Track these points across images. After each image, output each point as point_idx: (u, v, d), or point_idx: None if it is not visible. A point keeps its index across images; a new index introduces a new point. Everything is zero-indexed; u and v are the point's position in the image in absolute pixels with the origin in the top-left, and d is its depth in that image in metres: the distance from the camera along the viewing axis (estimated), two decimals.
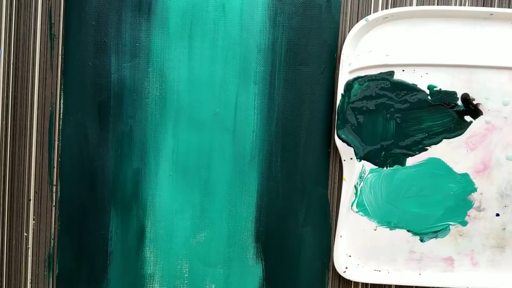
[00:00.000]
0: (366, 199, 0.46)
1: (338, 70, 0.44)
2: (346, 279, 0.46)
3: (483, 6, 0.45)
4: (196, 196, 0.46)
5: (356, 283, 0.47)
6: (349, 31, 0.44)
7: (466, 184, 0.45)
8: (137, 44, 0.45)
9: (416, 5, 0.45)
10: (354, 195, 0.46)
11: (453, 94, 0.45)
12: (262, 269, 0.46)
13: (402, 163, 0.45)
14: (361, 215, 0.46)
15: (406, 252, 0.46)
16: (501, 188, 0.46)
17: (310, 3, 0.45)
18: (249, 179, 0.46)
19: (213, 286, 0.46)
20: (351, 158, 0.45)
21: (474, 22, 0.44)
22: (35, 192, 0.46)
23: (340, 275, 0.46)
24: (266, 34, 0.45)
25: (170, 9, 0.44)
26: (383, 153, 0.45)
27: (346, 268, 0.46)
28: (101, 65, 0.45)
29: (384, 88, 0.45)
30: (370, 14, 0.45)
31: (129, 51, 0.45)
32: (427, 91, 0.45)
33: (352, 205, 0.46)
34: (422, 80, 0.45)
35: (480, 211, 0.46)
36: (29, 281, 0.46)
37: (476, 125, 0.45)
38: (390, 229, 0.46)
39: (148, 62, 0.45)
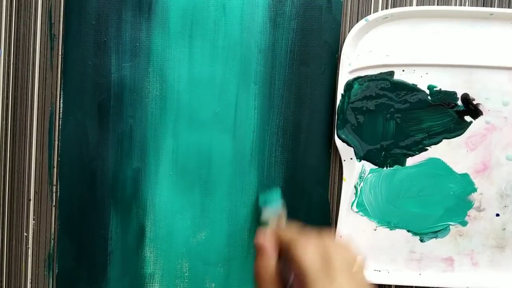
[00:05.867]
0: (366, 199, 0.46)
1: (339, 70, 0.44)
2: None
3: (483, 6, 0.45)
4: (196, 196, 0.46)
5: None
6: (349, 31, 0.44)
7: (466, 184, 0.45)
8: (137, 44, 0.45)
9: (416, 5, 0.45)
10: (354, 195, 0.46)
11: (453, 94, 0.45)
12: None
13: (402, 163, 0.45)
14: (361, 215, 0.46)
15: (406, 252, 0.46)
16: (501, 188, 0.46)
17: (311, 4, 0.45)
18: (249, 179, 0.46)
19: (213, 285, 0.46)
20: (351, 158, 0.45)
21: (474, 22, 0.44)
22: (35, 192, 0.46)
23: None
24: (267, 35, 0.45)
25: (171, 9, 0.44)
26: (383, 153, 0.45)
27: None
28: (101, 64, 0.45)
29: (384, 88, 0.45)
30: (370, 14, 0.45)
31: (129, 50, 0.45)
32: (427, 91, 0.45)
33: (352, 205, 0.46)
34: (422, 80, 0.45)
35: (480, 211, 0.46)
36: (29, 281, 0.46)
37: (476, 125, 0.45)
38: (390, 229, 0.46)
39: (148, 62, 0.45)
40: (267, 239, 0.37)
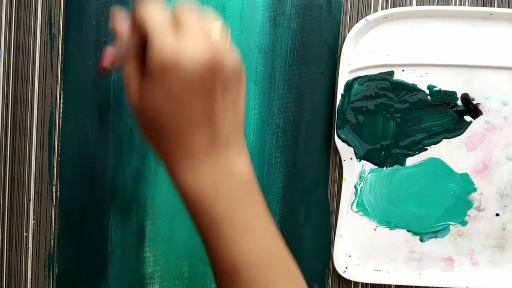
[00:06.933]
0: (366, 199, 0.46)
1: (338, 70, 0.44)
2: (346, 279, 0.46)
3: (483, 6, 0.45)
4: None
5: (356, 283, 0.47)
6: (349, 31, 0.44)
7: (466, 184, 0.45)
8: None
9: (416, 5, 0.45)
10: (354, 195, 0.46)
11: (453, 94, 0.45)
12: None
13: (402, 163, 0.45)
14: (361, 215, 0.46)
15: (406, 252, 0.46)
16: (501, 188, 0.46)
17: (311, 3, 0.45)
18: None
19: (213, 286, 0.46)
20: (351, 158, 0.45)
21: (474, 22, 0.44)
22: (35, 192, 0.46)
23: (340, 275, 0.46)
24: (267, 35, 0.45)
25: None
26: (383, 153, 0.45)
27: (346, 268, 0.46)
28: None
29: (384, 88, 0.45)
30: (370, 14, 0.45)
31: None
32: (427, 91, 0.45)
33: (352, 205, 0.46)
34: (422, 80, 0.45)
35: (480, 211, 0.46)
36: (29, 281, 0.46)
37: (476, 125, 0.45)
38: (390, 229, 0.46)
39: None
40: (121, 22, 0.32)
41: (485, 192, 0.46)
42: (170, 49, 0.29)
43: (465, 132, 0.45)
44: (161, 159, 0.32)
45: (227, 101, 0.32)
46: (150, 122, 0.31)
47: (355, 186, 0.45)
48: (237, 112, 0.33)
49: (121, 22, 0.32)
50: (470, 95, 0.45)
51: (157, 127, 0.31)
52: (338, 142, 0.44)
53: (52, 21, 0.45)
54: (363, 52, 0.44)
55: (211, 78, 0.30)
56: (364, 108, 0.45)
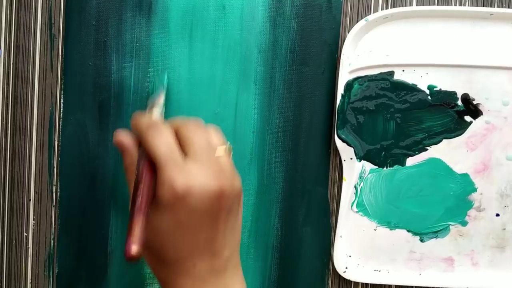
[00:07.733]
0: (366, 199, 0.46)
1: (338, 70, 0.44)
2: (346, 279, 0.46)
3: (483, 6, 0.45)
4: None
5: (356, 283, 0.47)
6: (349, 31, 0.44)
7: (466, 184, 0.46)
8: (137, 44, 0.45)
9: (416, 5, 0.45)
10: (354, 195, 0.46)
11: (453, 94, 0.45)
12: (262, 269, 0.46)
13: (402, 163, 0.45)
14: (361, 215, 0.46)
15: (406, 252, 0.46)
16: (501, 188, 0.46)
17: (311, 3, 0.45)
18: (249, 179, 0.46)
19: None
20: (351, 158, 0.45)
21: (474, 22, 0.44)
22: (35, 192, 0.46)
23: (340, 275, 0.46)
24: (267, 34, 0.45)
25: (171, 9, 0.44)
26: (383, 153, 0.45)
27: (346, 268, 0.46)
28: (102, 64, 0.45)
29: (384, 88, 0.45)
30: (370, 14, 0.45)
31: (130, 50, 0.45)
32: (427, 91, 0.45)
33: (352, 205, 0.46)
34: (422, 80, 0.45)
35: (480, 211, 0.46)
36: (29, 281, 0.46)
37: (476, 125, 0.45)
38: (390, 229, 0.46)
39: (149, 62, 0.45)
40: (124, 136, 0.35)
41: (485, 192, 0.46)
42: (181, 181, 0.31)
43: (465, 132, 0.45)
44: (161, 282, 0.34)
45: (228, 227, 0.34)
46: (154, 249, 0.33)
47: (355, 186, 0.45)
48: (235, 237, 0.35)
49: (126, 137, 0.35)
50: (470, 95, 0.45)
51: (160, 254, 0.33)
52: (338, 142, 0.44)
53: (52, 21, 0.45)
54: (363, 52, 0.44)
55: (218, 205, 0.32)
56: (364, 108, 0.45)
